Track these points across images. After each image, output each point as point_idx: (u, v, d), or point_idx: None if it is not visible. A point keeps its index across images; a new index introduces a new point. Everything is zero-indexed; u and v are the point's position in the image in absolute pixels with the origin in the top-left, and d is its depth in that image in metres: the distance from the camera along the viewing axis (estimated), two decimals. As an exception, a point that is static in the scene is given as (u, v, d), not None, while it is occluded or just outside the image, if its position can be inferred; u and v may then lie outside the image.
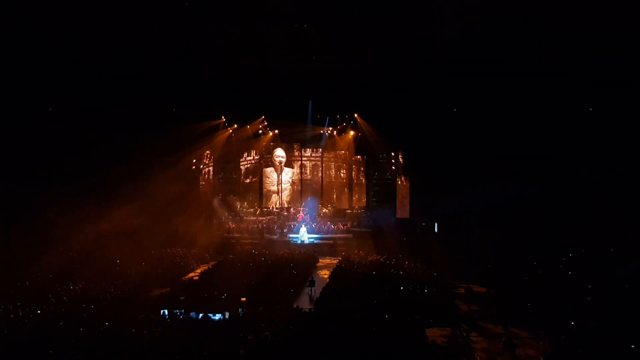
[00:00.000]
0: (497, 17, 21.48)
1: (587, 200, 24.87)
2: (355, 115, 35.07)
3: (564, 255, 22.61)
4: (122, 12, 21.21)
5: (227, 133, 36.16)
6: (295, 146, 37.97)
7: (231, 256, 25.78)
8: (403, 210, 33.76)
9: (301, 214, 34.05)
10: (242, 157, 38.50)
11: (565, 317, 14.69)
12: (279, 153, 37.79)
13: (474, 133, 28.07)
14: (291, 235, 30.89)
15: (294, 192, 38.08)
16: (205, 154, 37.12)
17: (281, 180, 37.85)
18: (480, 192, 26.09)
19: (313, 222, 32.57)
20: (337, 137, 37.38)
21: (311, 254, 26.75)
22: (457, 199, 26.80)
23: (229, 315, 15.47)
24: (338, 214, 35.30)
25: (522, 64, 24.11)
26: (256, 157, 38.37)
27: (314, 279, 20.60)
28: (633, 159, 23.34)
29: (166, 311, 15.84)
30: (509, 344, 13.42)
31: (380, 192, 35.34)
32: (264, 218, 34.52)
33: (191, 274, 23.14)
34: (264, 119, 36.18)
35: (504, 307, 17.21)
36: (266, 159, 38.15)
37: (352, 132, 36.62)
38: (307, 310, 16.31)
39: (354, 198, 38.00)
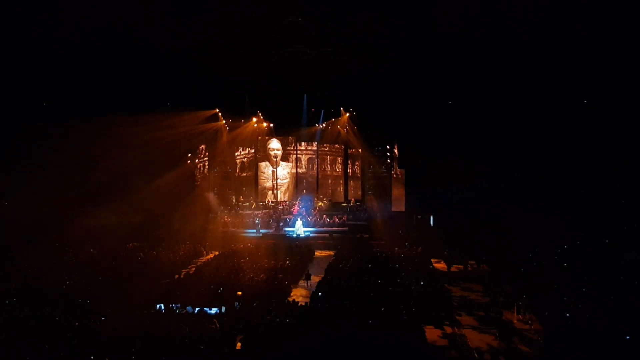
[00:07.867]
0: (492, 9, 21.40)
1: (585, 192, 24.95)
2: (351, 108, 34.94)
3: (559, 247, 22.68)
4: (115, 5, 21.04)
5: (221, 126, 35.96)
6: (290, 139, 37.82)
7: (226, 250, 25.70)
8: (398, 203, 33.81)
9: (296, 207, 33.97)
10: (237, 150, 38.31)
11: (560, 308, 14.74)
12: (274, 145, 37.58)
13: (469, 125, 28.04)
14: (287, 229, 30.83)
15: (291, 187, 37.94)
16: (201, 147, 36.91)
17: (277, 175, 37.69)
18: (476, 185, 26.09)
19: (309, 216, 32.51)
20: (331, 130, 37.25)
21: (307, 247, 26.71)
22: (453, 192, 26.80)
23: (225, 309, 15.45)
24: (334, 207, 35.28)
25: (517, 56, 24.09)
26: (251, 151, 38.21)
27: (310, 272, 20.61)
28: (631, 151, 23.32)
29: (162, 305, 15.79)
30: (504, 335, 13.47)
31: (375, 185, 35.30)
32: (260, 212, 34.43)
33: (187, 268, 23.08)
34: (259, 112, 35.98)
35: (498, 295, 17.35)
36: (261, 153, 37.98)
37: (347, 125, 36.51)
38: (303, 303, 16.29)
39: (349, 191, 37.96)
